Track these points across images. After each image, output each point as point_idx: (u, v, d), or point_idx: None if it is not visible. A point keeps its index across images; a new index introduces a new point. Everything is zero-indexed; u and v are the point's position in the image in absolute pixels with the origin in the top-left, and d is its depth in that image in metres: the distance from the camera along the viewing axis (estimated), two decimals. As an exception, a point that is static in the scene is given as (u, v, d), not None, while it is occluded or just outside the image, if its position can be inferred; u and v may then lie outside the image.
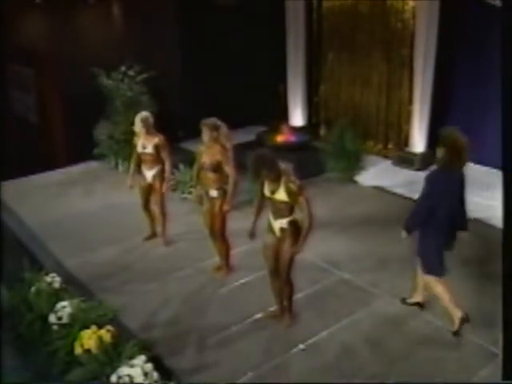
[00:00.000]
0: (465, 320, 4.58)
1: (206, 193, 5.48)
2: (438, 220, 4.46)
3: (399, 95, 8.82)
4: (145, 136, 6.06)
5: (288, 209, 4.47)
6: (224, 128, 5.36)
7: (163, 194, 6.18)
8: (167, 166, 6.10)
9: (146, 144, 6.07)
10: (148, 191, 6.22)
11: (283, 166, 4.42)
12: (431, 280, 4.68)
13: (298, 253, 4.53)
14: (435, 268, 4.60)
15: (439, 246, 4.56)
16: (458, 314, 4.58)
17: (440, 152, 4.54)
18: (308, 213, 4.37)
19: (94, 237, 6.61)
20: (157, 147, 6.02)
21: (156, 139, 6.02)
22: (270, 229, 4.61)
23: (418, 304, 5.01)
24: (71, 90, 8.86)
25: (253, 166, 4.37)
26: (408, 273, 5.56)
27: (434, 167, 4.80)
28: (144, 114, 6.11)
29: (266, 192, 4.50)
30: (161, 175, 6.11)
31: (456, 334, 4.58)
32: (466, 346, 4.53)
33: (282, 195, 4.40)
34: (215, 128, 5.31)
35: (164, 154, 6.05)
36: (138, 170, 6.25)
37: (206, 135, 5.33)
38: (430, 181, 4.54)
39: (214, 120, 5.37)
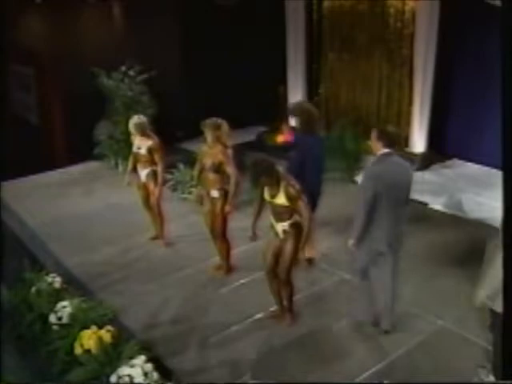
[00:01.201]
0: (310, 261, 5.70)
1: (207, 193, 5.48)
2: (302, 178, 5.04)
3: (399, 95, 8.82)
4: (140, 138, 6.06)
5: (288, 212, 4.47)
6: (225, 125, 5.37)
7: (158, 195, 6.17)
8: (159, 169, 6.04)
9: (140, 145, 6.06)
10: (144, 190, 6.21)
11: (282, 169, 4.44)
12: None
13: (300, 258, 4.54)
14: None
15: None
16: (307, 254, 5.57)
17: (296, 122, 5.59)
18: (307, 217, 4.37)
19: (94, 237, 6.61)
20: (150, 150, 6.00)
21: (150, 142, 6.00)
22: (273, 230, 4.62)
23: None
24: (71, 90, 8.85)
25: (251, 172, 4.40)
26: (408, 272, 5.57)
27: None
28: (137, 119, 6.04)
29: (266, 196, 4.52)
30: (153, 176, 6.08)
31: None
32: (466, 346, 4.54)
33: (281, 199, 4.41)
34: (217, 127, 5.31)
35: (157, 157, 6.00)
36: (135, 169, 6.25)
37: (208, 136, 5.32)
38: (294, 145, 5.64)
39: (214, 120, 5.38)
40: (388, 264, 4.52)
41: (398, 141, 4.54)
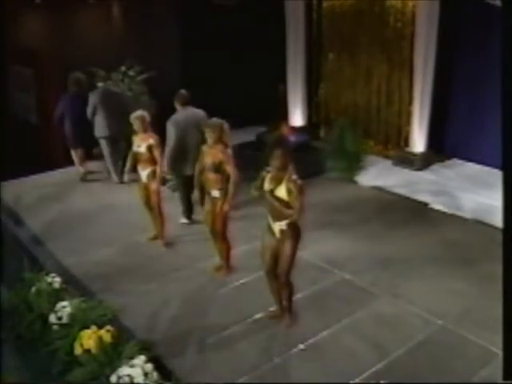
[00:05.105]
0: (86, 175, 8.52)
1: (207, 193, 5.47)
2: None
3: (399, 95, 8.82)
4: (141, 135, 6.04)
5: (286, 209, 4.43)
6: (226, 125, 5.36)
7: (158, 195, 6.16)
8: (158, 168, 6.03)
9: (140, 143, 6.04)
10: (145, 190, 6.19)
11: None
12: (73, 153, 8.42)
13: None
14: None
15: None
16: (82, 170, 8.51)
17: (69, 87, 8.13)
18: (299, 209, 4.31)
19: (93, 237, 6.61)
20: (150, 148, 5.99)
21: (150, 140, 5.98)
22: (270, 230, 4.60)
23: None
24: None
25: (272, 144, 4.41)
26: (408, 273, 5.58)
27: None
28: (140, 112, 6.07)
29: (266, 187, 4.47)
30: (154, 176, 6.05)
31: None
32: (466, 346, 4.54)
33: (282, 192, 4.36)
34: (219, 128, 5.29)
35: (156, 155, 5.99)
36: (135, 169, 6.24)
37: (209, 137, 5.30)
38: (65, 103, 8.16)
39: (215, 120, 5.37)
40: None
41: (190, 100, 6.72)
